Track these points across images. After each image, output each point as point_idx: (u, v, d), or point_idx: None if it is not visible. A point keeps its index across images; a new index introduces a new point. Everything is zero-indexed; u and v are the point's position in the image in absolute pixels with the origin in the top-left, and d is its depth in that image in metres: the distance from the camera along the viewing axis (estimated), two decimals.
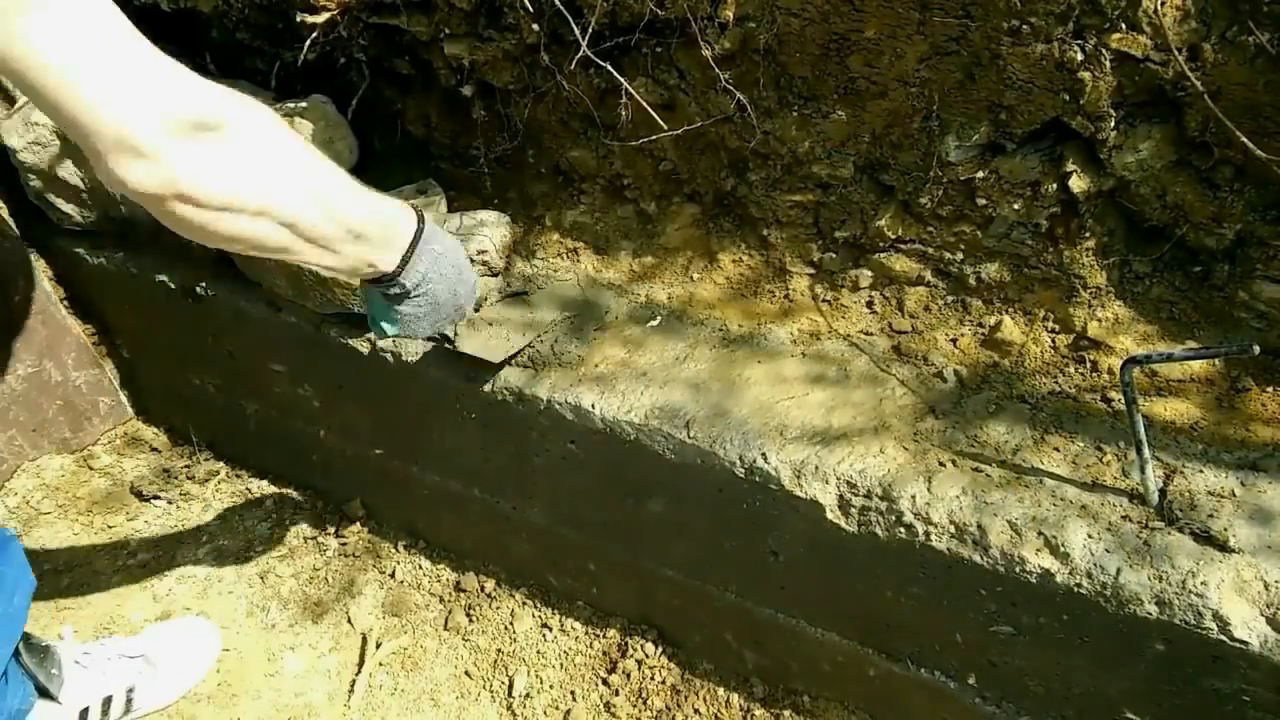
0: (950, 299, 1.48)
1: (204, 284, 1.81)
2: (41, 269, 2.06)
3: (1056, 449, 1.24)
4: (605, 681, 1.68)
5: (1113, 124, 1.26)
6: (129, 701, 1.63)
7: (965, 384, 1.38)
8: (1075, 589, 1.11)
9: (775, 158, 1.51)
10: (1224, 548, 1.07)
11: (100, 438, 2.27)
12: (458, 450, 1.70)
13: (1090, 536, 1.12)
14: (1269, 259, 1.26)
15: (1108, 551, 1.10)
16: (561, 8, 1.44)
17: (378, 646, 1.79)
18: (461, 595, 1.86)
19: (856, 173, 1.48)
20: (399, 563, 1.94)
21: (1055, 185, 1.33)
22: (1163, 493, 1.15)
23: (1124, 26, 1.20)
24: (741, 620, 1.53)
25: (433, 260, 1.14)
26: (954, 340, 1.46)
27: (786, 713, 1.56)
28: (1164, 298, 1.35)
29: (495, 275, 1.66)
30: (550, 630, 1.77)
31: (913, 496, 1.21)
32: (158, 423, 2.31)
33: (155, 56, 0.83)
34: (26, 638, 1.49)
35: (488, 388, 1.50)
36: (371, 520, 2.02)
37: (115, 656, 1.63)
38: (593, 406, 1.41)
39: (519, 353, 1.51)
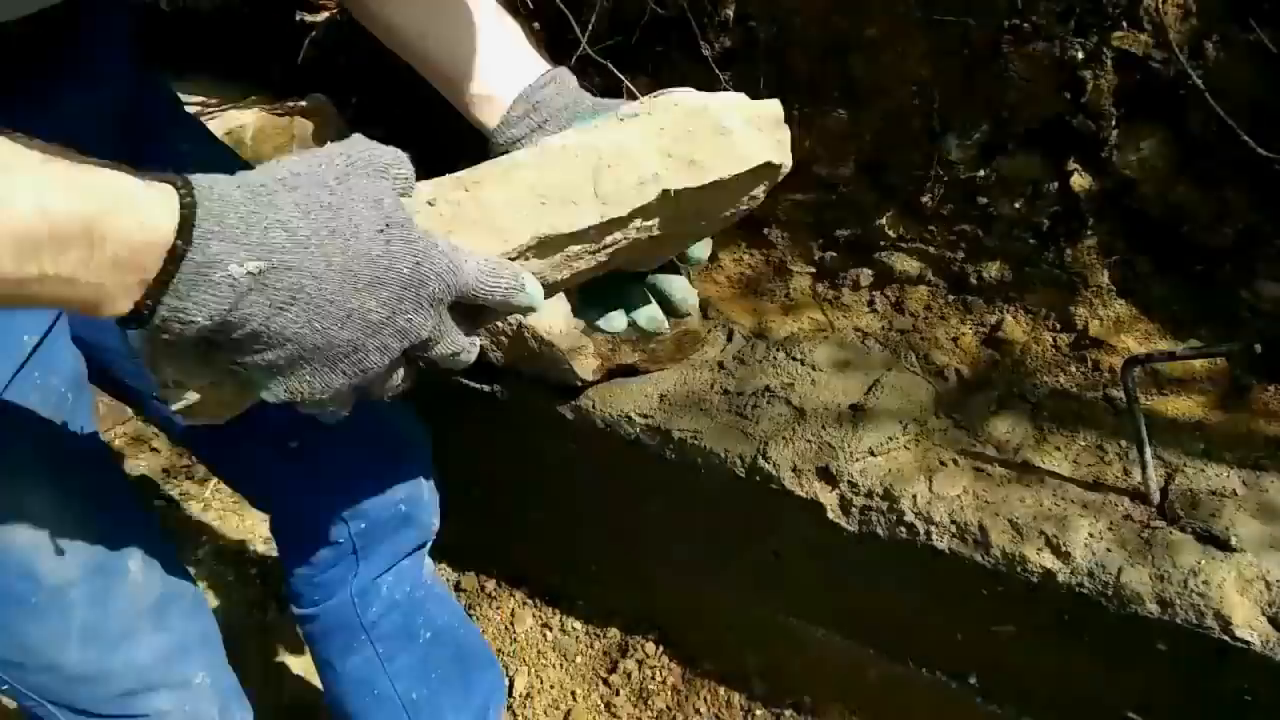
0: (951, 298, 1.48)
1: None
2: None
3: (1058, 448, 1.24)
4: (606, 681, 1.67)
5: (1114, 123, 1.26)
6: None
7: (966, 383, 1.38)
8: (1077, 588, 1.11)
9: None
10: (1226, 547, 1.07)
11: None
12: (458, 449, 1.70)
13: (1092, 536, 1.12)
14: (1270, 258, 1.26)
15: (1109, 551, 1.10)
16: (562, 6, 1.44)
17: None
18: (461, 595, 1.86)
19: (857, 172, 1.48)
20: None
21: (1056, 184, 1.33)
22: (1164, 492, 1.14)
23: (1125, 25, 1.20)
24: (743, 620, 1.53)
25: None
26: (955, 339, 1.46)
27: (788, 713, 1.56)
28: (1165, 297, 1.35)
29: None
30: (550, 630, 1.77)
31: (914, 496, 1.21)
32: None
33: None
34: None
35: (489, 388, 1.50)
36: None
37: None
38: (593, 406, 1.41)
39: None
